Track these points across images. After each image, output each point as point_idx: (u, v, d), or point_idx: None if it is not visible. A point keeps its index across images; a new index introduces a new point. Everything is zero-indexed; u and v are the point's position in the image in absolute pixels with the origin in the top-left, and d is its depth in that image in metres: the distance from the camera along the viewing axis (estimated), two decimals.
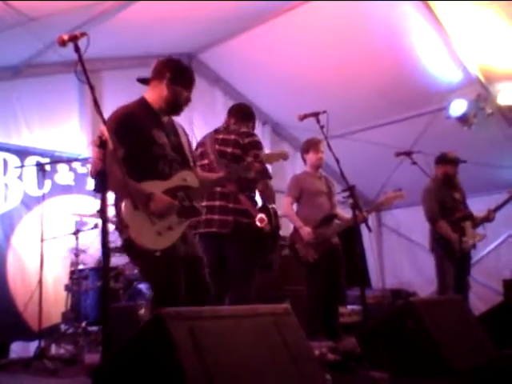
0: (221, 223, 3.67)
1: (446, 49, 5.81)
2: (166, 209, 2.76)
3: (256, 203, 3.81)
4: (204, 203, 3.69)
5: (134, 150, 2.81)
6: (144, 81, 3.04)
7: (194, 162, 3.18)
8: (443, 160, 5.38)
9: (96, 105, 2.53)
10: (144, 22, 5.17)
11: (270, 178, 3.87)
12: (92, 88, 2.51)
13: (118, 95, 5.97)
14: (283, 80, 6.58)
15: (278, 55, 6.27)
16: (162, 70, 3.00)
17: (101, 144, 2.44)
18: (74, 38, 2.45)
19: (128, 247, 2.83)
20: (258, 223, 3.58)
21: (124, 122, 2.83)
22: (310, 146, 5.07)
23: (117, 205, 2.82)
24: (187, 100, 3.06)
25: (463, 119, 6.21)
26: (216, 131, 4.01)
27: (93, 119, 5.58)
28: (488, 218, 5.33)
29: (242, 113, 4.09)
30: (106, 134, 2.48)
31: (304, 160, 5.18)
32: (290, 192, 5.05)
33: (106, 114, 2.69)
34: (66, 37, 2.45)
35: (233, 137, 3.83)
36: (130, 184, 2.61)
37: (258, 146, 3.81)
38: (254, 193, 3.85)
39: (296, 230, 4.91)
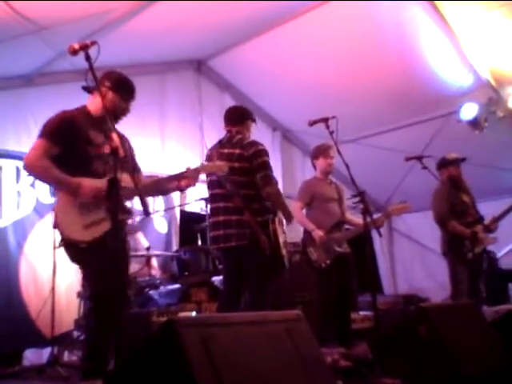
0: (239, 236, 3.77)
1: (456, 53, 5.80)
2: (93, 194, 2.89)
3: (265, 213, 3.83)
4: (221, 218, 3.84)
5: (70, 150, 2.97)
6: (87, 89, 3.13)
7: (134, 168, 3.29)
8: (444, 164, 5.36)
9: (107, 112, 2.55)
10: (154, 30, 5.21)
11: (275, 184, 3.88)
12: (103, 96, 2.54)
13: None
14: (293, 86, 6.58)
15: (287, 61, 6.28)
16: (102, 80, 3.10)
17: (112, 151, 2.46)
18: (84, 47, 2.50)
19: (61, 240, 2.99)
20: (261, 244, 3.69)
21: (61, 123, 3.00)
22: (320, 151, 5.06)
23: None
24: (125, 111, 3.17)
25: (474, 123, 6.18)
26: (221, 144, 4.03)
27: None
28: (490, 228, 5.27)
29: (233, 116, 4.11)
30: (117, 141, 2.51)
31: (314, 166, 5.18)
32: (301, 197, 5.05)
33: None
34: (76, 46, 2.49)
35: (237, 151, 3.86)
36: (61, 176, 2.88)
37: (262, 153, 3.85)
38: (262, 203, 3.85)
39: (308, 233, 4.89)
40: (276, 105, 7.20)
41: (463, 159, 5.33)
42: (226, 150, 3.91)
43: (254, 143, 3.90)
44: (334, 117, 3.90)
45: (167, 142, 6.53)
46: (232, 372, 1.90)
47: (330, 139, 3.97)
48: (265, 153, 3.88)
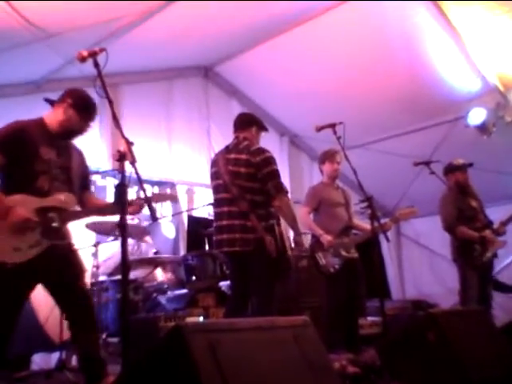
0: (243, 242, 3.74)
1: (463, 58, 5.79)
2: (21, 224, 2.84)
3: (269, 218, 3.81)
4: (225, 222, 3.81)
5: (17, 163, 2.94)
6: (50, 102, 3.17)
7: (85, 186, 3.33)
8: (450, 169, 5.36)
9: (115, 119, 2.57)
10: (161, 37, 5.24)
11: (286, 192, 3.89)
12: (111, 102, 2.56)
13: (137, 108, 6.11)
14: (300, 91, 6.59)
15: (295, 67, 6.29)
16: (64, 96, 3.14)
17: (120, 158, 2.47)
18: (93, 54, 2.52)
19: None
20: (267, 245, 3.67)
21: (12, 133, 2.97)
22: (326, 156, 5.07)
23: None
24: (82, 128, 3.17)
25: (482, 128, 6.16)
26: (227, 149, 4.02)
27: (112, 133, 5.63)
28: (499, 233, 5.26)
29: (241, 122, 4.11)
30: (125, 147, 2.52)
31: (321, 171, 5.18)
32: (308, 203, 5.05)
33: (126, 128, 2.73)
34: (85, 53, 2.51)
35: (244, 156, 3.84)
36: None
37: (270, 161, 3.84)
38: (266, 209, 3.83)
39: (316, 238, 4.89)
40: (283, 110, 7.21)
41: (470, 164, 5.32)
42: (232, 156, 3.90)
43: (262, 150, 3.88)
44: (341, 122, 3.90)
45: (174, 147, 6.55)
46: (239, 378, 1.90)
47: (337, 145, 3.98)
48: (273, 161, 3.87)
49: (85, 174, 3.35)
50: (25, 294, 3.11)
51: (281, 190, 3.81)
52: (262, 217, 3.77)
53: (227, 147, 4.05)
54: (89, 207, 3.30)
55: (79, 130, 3.16)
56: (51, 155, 3.04)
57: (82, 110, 3.12)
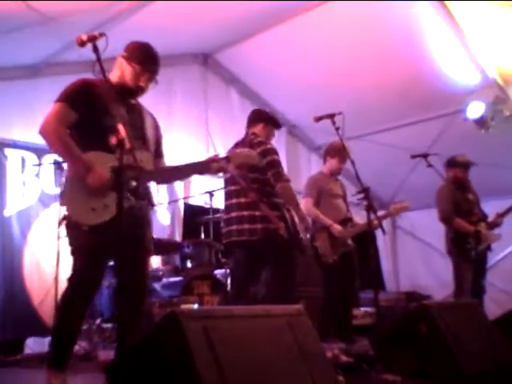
0: (250, 232, 3.86)
1: (463, 51, 5.78)
2: (101, 186, 2.70)
3: (279, 208, 3.93)
4: (234, 214, 3.94)
5: (87, 118, 2.80)
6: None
7: (159, 153, 3.15)
8: (453, 164, 5.37)
9: (114, 104, 2.56)
10: (160, 23, 5.20)
11: (287, 180, 3.97)
12: (110, 88, 2.54)
13: None
14: (299, 81, 6.57)
15: (294, 56, 6.27)
16: (124, 49, 2.99)
17: (118, 143, 2.46)
18: (92, 39, 2.49)
19: (63, 219, 2.84)
20: (280, 231, 3.80)
21: (80, 88, 2.83)
22: (339, 153, 4.92)
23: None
24: (139, 84, 2.96)
25: (480, 122, 6.16)
26: (236, 144, 4.15)
27: None
28: (495, 224, 5.30)
29: (250, 117, 4.24)
30: (123, 133, 2.51)
31: (325, 161, 5.17)
32: (309, 193, 5.03)
33: None
34: (84, 37, 2.48)
35: (246, 149, 3.90)
36: (74, 150, 2.72)
37: (270, 152, 3.95)
38: (275, 198, 3.94)
39: (317, 228, 4.89)
40: (282, 100, 7.19)
41: (474, 164, 5.33)
42: (238, 149, 3.98)
43: (262, 142, 4.00)
44: (340, 113, 3.89)
45: (173, 135, 6.53)
46: (234, 364, 1.91)
47: (335, 135, 3.97)
48: (273, 151, 3.98)
49: (158, 140, 3.18)
50: (105, 257, 2.87)
51: (280, 178, 3.91)
52: (272, 206, 3.88)
53: (236, 143, 4.17)
54: (165, 168, 3.12)
55: (137, 85, 2.95)
56: (120, 111, 2.85)
57: (137, 62, 2.93)
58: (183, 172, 3.20)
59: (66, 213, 2.79)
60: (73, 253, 2.85)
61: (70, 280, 2.84)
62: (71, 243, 2.85)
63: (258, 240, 3.83)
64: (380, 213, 4.55)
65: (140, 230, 2.94)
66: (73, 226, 2.77)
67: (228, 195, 4.09)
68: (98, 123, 2.79)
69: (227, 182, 4.11)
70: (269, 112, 4.40)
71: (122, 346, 2.62)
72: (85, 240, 2.74)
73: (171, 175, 3.26)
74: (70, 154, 2.77)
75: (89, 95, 2.80)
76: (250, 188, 3.85)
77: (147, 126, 3.08)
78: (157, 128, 3.21)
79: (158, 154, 3.14)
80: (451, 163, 5.37)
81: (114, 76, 2.98)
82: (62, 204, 2.88)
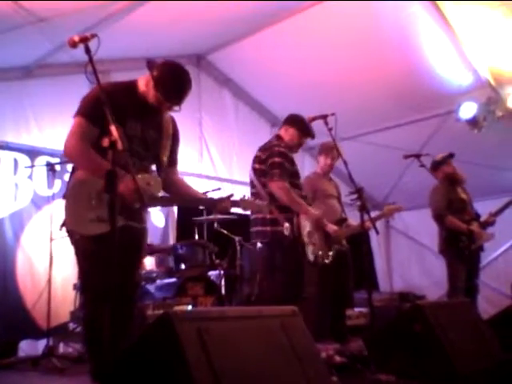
0: (262, 234, 4.05)
1: (456, 51, 5.80)
2: (132, 194, 2.59)
3: (289, 211, 4.05)
4: (253, 216, 4.13)
5: (103, 132, 2.59)
6: (149, 66, 2.86)
7: (172, 162, 3.08)
8: (435, 166, 5.41)
9: (106, 105, 2.54)
10: (153, 24, 5.19)
11: (277, 180, 4.03)
12: (102, 89, 2.52)
13: None
14: (292, 82, 6.58)
15: (287, 57, 6.27)
16: (156, 64, 2.83)
17: (110, 145, 2.44)
18: (84, 40, 2.46)
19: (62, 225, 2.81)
20: (285, 231, 3.94)
21: (99, 100, 2.53)
22: (323, 149, 5.05)
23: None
24: (161, 106, 2.88)
25: (473, 122, 6.19)
26: (260, 150, 4.28)
27: None
28: (488, 222, 5.32)
29: (285, 119, 4.39)
30: (116, 134, 2.49)
31: (317, 160, 5.22)
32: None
33: None
34: (76, 38, 2.47)
35: (258, 153, 4.19)
36: (103, 167, 2.51)
37: (272, 155, 4.06)
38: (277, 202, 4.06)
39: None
40: (275, 100, 7.20)
41: (451, 155, 5.36)
42: (256, 153, 4.23)
43: (271, 145, 4.15)
44: (333, 114, 3.90)
45: None
46: (227, 365, 1.91)
47: (328, 136, 3.97)
48: (276, 154, 4.07)
49: (173, 149, 3.10)
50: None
51: (271, 177, 4.01)
52: (281, 208, 3.99)
53: (261, 146, 4.31)
54: (176, 193, 3.04)
55: (159, 106, 2.86)
56: (135, 130, 2.80)
57: (161, 93, 2.80)
58: (189, 202, 3.20)
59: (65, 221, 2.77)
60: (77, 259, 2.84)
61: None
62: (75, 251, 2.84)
63: (268, 242, 4.01)
64: (373, 213, 4.56)
65: (137, 253, 2.93)
66: (70, 235, 2.77)
67: (251, 196, 4.19)
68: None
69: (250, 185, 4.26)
70: (304, 120, 4.31)
71: (116, 348, 2.59)
72: (84, 246, 2.72)
73: (176, 202, 3.30)
74: (98, 171, 2.59)
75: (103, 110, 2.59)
76: (263, 191, 4.03)
77: (163, 142, 3.01)
78: (175, 135, 3.13)
79: (171, 162, 3.09)
80: (435, 166, 5.40)
81: (141, 85, 2.90)
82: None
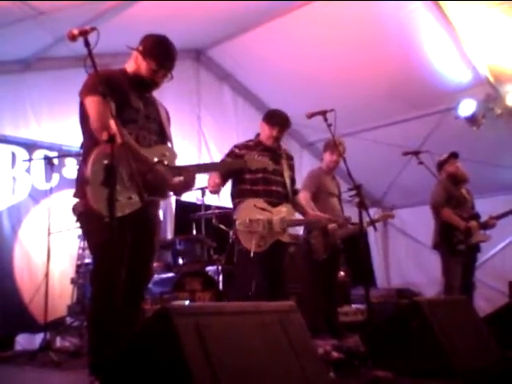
0: None
1: (455, 49, 5.80)
2: (162, 183, 2.74)
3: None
4: None
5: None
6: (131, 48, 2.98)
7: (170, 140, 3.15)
8: (440, 165, 5.42)
9: (105, 99, 2.53)
10: (152, 18, 5.17)
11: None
12: (101, 83, 2.51)
13: None
14: (292, 77, 6.57)
15: (286, 52, 6.26)
16: (140, 42, 2.95)
17: (109, 138, 2.43)
18: (84, 33, 2.46)
19: (82, 212, 2.76)
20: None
21: (102, 80, 2.55)
22: (329, 146, 5.03)
23: (80, 169, 2.79)
24: (153, 78, 2.94)
25: (472, 119, 6.19)
26: None
27: None
28: (488, 224, 5.31)
29: None
30: (114, 127, 2.48)
31: (323, 158, 5.22)
32: (308, 186, 5.00)
33: None
34: (76, 31, 2.46)
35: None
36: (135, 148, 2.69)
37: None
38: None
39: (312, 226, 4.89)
40: (274, 96, 7.18)
41: (454, 154, 5.36)
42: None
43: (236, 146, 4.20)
44: (332, 110, 3.88)
45: None
46: (225, 360, 1.91)
47: (327, 132, 3.96)
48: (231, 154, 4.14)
49: (169, 131, 3.18)
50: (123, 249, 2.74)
51: None
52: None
53: None
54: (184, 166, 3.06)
55: (151, 79, 2.94)
56: (139, 103, 2.87)
57: (152, 58, 2.90)
58: (210, 168, 3.44)
59: (84, 206, 2.69)
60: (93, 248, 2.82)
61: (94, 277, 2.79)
62: (89, 237, 2.84)
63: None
64: (371, 210, 4.57)
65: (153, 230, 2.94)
66: (95, 218, 2.61)
67: None
68: (120, 116, 2.70)
69: None
70: (272, 111, 4.37)
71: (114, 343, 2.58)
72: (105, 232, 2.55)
73: (197, 170, 3.21)
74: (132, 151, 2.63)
75: (110, 87, 2.62)
76: None
77: (163, 119, 3.09)
78: (168, 121, 3.22)
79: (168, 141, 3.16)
80: (439, 166, 5.42)
81: (129, 68, 2.98)
82: (78, 196, 2.77)
